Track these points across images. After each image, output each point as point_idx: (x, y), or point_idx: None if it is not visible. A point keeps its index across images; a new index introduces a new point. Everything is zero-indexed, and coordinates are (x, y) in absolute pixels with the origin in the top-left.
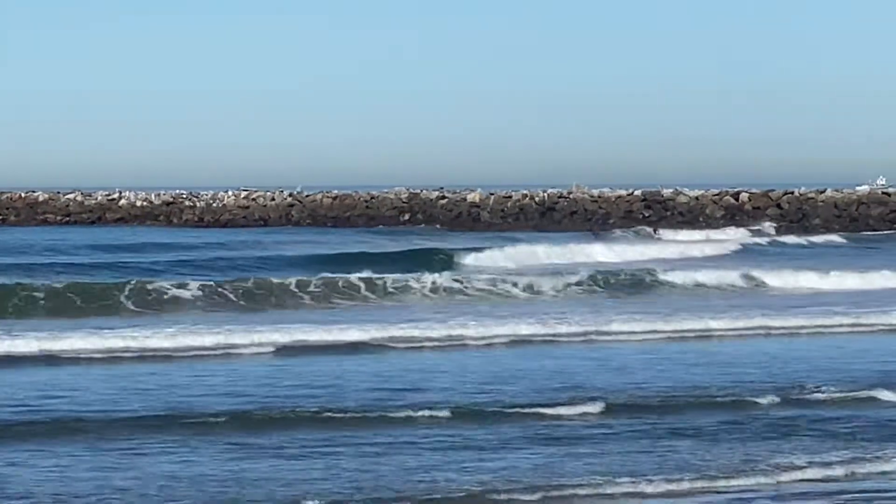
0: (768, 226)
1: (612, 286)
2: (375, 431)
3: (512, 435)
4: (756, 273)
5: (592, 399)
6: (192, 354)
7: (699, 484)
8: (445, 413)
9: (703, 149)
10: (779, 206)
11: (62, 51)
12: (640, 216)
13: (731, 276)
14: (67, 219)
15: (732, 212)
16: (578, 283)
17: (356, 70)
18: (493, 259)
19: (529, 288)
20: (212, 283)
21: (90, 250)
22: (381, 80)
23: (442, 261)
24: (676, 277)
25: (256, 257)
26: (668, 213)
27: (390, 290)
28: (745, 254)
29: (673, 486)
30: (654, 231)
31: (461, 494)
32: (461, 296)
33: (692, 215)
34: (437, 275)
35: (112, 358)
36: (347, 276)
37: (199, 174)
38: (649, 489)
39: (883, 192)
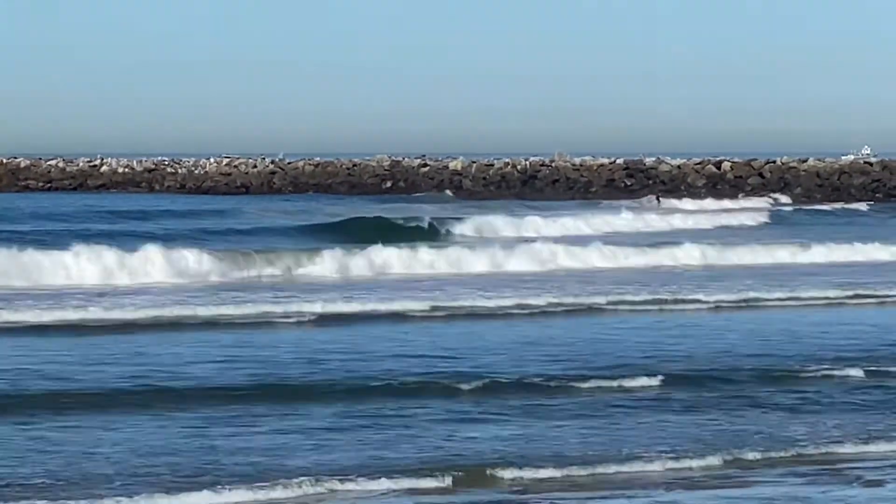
0: (777, 196)
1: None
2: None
3: None
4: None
5: None
6: (238, 322)
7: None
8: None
9: (688, 119)
10: (761, 174)
11: (43, 13)
12: (622, 185)
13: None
14: (49, 185)
15: (714, 180)
16: None
17: (339, 38)
18: (536, 228)
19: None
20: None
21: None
22: (362, 48)
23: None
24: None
25: (284, 227)
26: (650, 182)
27: None
28: (783, 222)
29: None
30: (657, 199)
31: None
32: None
33: (674, 184)
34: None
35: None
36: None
37: (181, 141)
38: None
39: (865, 162)
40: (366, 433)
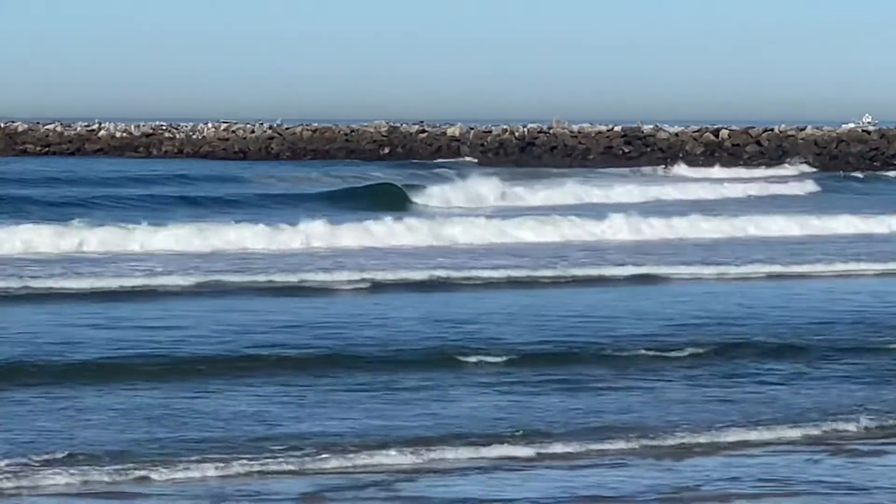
0: (796, 161)
1: None
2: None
3: None
4: None
5: None
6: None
7: None
8: None
9: (692, 86)
10: (759, 142)
11: None
12: (620, 152)
13: None
14: (47, 149)
15: (712, 148)
16: None
17: (337, 5)
18: (549, 198)
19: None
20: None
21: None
22: (359, 15)
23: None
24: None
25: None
26: (648, 150)
27: None
28: (836, 191)
29: None
30: (665, 168)
31: None
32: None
33: (672, 152)
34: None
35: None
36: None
37: (178, 106)
38: None
39: (863, 131)
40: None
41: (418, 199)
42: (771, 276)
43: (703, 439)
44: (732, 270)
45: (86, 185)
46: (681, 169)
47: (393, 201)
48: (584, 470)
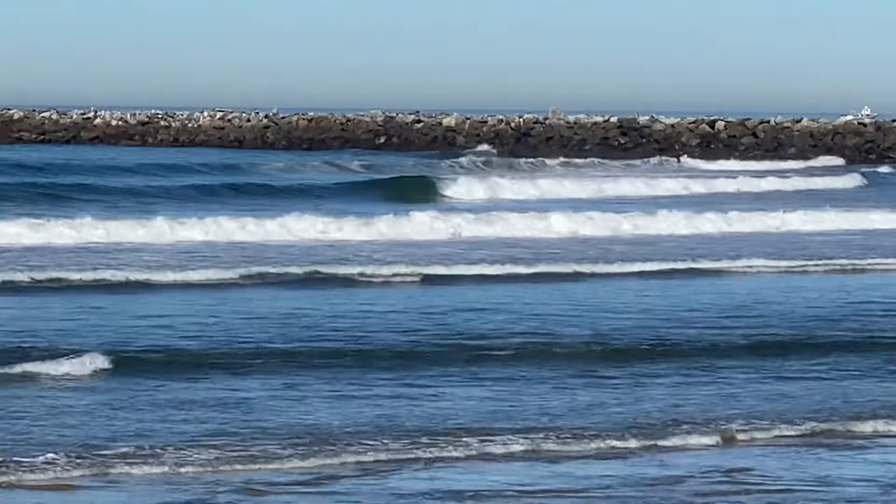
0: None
1: None
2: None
3: None
4: None
5: None
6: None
7: None
8: None
9: (693, 77)
10: (755, 134)
11: None
12: (616, 143)
13: None
14: (42, 137)
15: (708, 140)
16: None
17: None
18: (584, 189)
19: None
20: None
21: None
22: (359, 4)
23: None
24: None
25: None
26: (644, 141)
27: None
28: (883, 184)
29: None
30: (678, 160)
31: None
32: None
33: (668, 143)
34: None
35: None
36: None
37: (174, 94)
38: None
39: (859, 123)
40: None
41: (447, 191)
42: None
43: None
44: None
45: (137, 174)
46: (697, 161)
47: (423, 193)
48: None
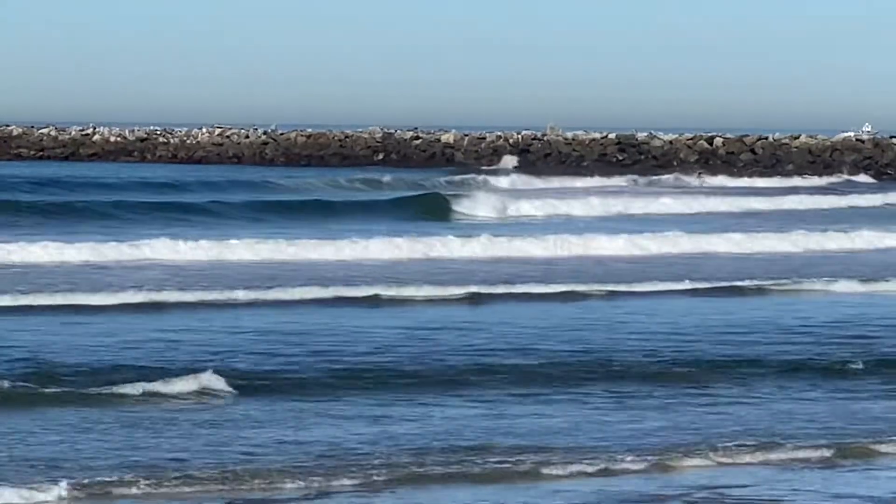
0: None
1: None
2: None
3: None
4: None
5: None
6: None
7: None
8: None
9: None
10: (753, 151)
11: None
12: (614, 159)
13: None
14: (41, 153)
15: (706, 156)
16: None
17: (332, 9)
18: (585, 207)
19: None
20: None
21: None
22: (357, 21)
23: None
24: None
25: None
26: (642, 157)
27: None
28: None
29: None
30: (699, 175)
31: None
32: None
33: (666, 159)
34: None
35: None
36: None
37: (173, 111)
38: None
39: (857, 139)
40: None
41: (459, 207)
42: None
43: None
44: None
45: (176, 191)
46: (721, 179)
47: (437, 211)
48: None
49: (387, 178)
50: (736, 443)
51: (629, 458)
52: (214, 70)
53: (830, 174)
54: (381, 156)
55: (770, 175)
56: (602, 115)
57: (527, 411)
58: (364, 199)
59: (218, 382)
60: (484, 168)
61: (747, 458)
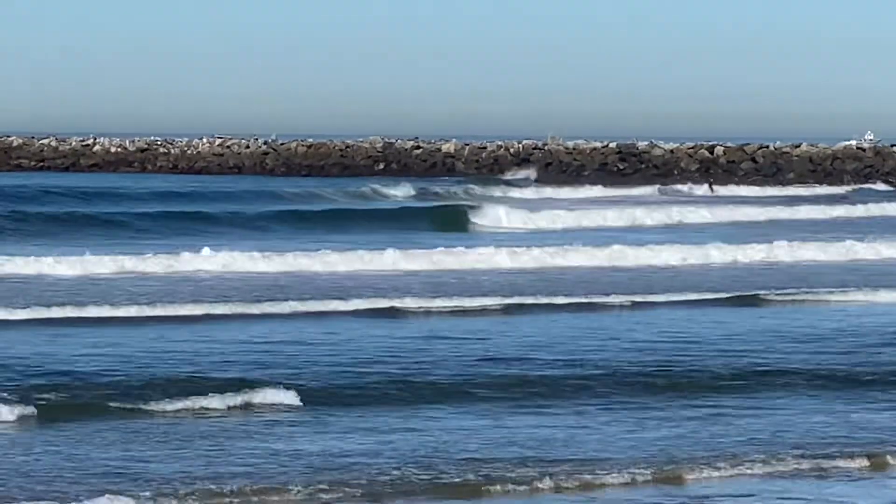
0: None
1: None
2: None
3: None
4: None
5: None
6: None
7: None
8: None
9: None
10: (753, 159)
11: None
12: (615, 169)
13: None
14: (42, 164)
15: (707, 165)
16: None
17: (332, 19)
18: (600, 217)
19: None
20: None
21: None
22: (357, 30)
23: None
24: None
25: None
26: (643, 166)
27: None
28: None
29: None
30: (710, 185)
31: None
32: None
33: (667, 168)
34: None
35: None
36: None
37: (173, 121)
38: None
39: (858, 148)
40: None
41: (477, 219)
42: None
43: None
44: None
45: (197, 201)
46: (732, 188)
47: (455, 222)
48: None
49: (407, 188)
50: None
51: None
52: (215, 80)
53: (842, 182)
54: (381, 165)
55: (772, 184)
56: (603, 124)
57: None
58: (380, 209)
59: (287, 396)
60: (505, 178)
61: None
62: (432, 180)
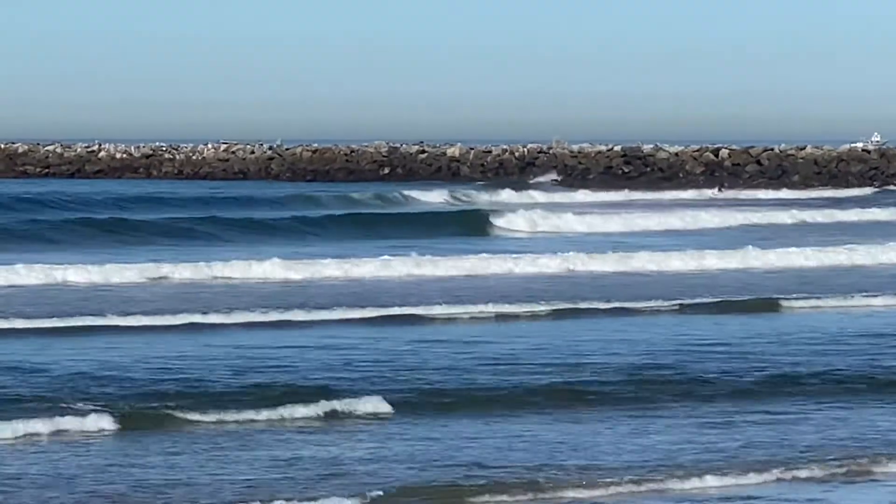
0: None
1: None
2: None
3: None
4: None
5: None
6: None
7: None
8: None
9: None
10: (759, 162)
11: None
12: (620, 172)
13: None
14: (47, 170)
15: (712, 168)
16: None
17: (336, 26)
18: (620, 223)
19: None
20: None
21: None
22: (361, 35)
23: None
24: None
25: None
26: (648, 170)
27: None
28: None
29: None
30: (719, 189)
31: None
32: None
33: (672, 171)
34: None
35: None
36: None
37: (178, 127)
38: None
39: (863, 150)
40: None
41: (499, 222)
42: None
43: None
44: None
45: (231, 207)
46: (755, 192)
47: (475, 226)
48: None
49: (428, 192)
50: None
51: None
52: (219, 86)
53: (848, 185)
54: (386, 170)
55: (777, 187)
56: (607, 128)
57: None
58: (401, 213)
59: (381, 404)
60: (528, 181)
61: None
62: (459, 185)
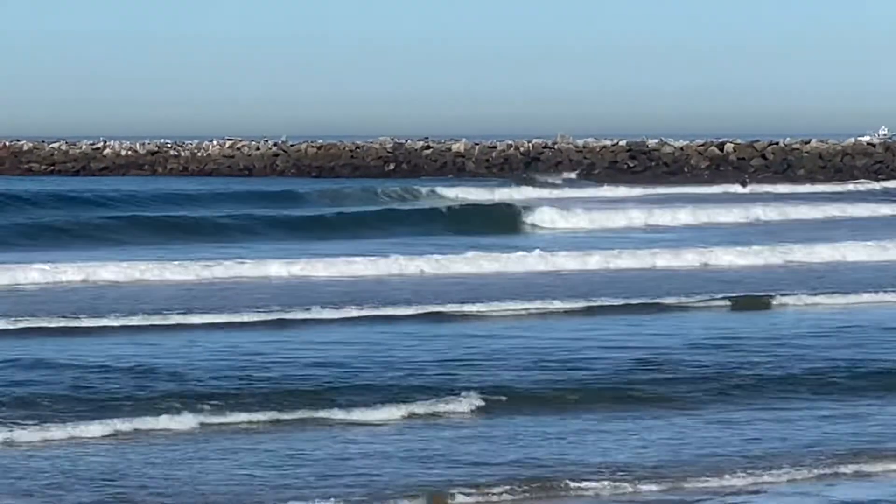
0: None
1: None
2: None
3: None
4: None
5: None
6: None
7: None
8: None
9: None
10: (764, 156)
11: None
12: (625, 166)
13: None
14: (52, 168)
15: (717, 162)
16: None
17: (341, 20)
18: (664, 217)
19: None
20: None
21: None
22: (366, 31)
23: None
24: None
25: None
26: (653, 164)
27: None
28: None
29: None
30: (744, 184)
31: None
32: None
33: (677, 166)
34: None
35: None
36: None
37: (183, 123)
38: None
39: (868, 143)
40: None
41: (530, 219)
42: None
43: None
44: None
45: (258, 202)
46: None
47: (507, 223)
48: None
49: (450, 189)
50: None
51: None
52: (224, 82)
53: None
54: (392, 166)
55: (782, 181)
56: (612, 122)
57: None
58: (428, 208)
59: (477, 400)
60: (551, 180)
61: None
62: (482, 181)
